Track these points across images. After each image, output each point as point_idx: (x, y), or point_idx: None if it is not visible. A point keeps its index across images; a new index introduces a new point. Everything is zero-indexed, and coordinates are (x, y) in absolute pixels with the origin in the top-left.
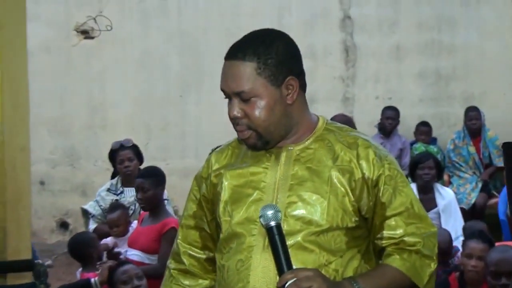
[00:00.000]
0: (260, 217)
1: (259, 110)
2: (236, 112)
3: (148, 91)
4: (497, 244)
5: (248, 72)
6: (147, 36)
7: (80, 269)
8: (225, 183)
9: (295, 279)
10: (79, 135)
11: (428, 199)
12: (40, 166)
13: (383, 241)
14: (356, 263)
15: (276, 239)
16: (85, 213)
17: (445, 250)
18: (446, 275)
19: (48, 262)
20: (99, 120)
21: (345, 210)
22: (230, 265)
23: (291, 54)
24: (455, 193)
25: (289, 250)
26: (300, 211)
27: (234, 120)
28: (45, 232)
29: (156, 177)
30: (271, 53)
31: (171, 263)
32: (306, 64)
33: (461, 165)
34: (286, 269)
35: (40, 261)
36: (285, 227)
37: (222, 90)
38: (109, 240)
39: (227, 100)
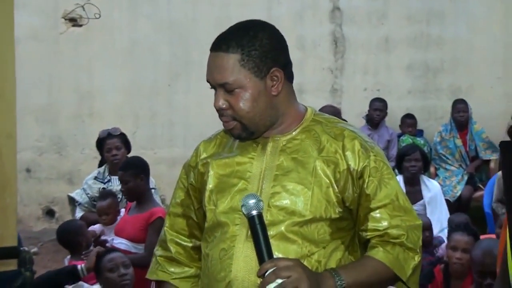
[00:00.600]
0: (242, 206)
1: (243, 101)
2: (221, 103)
3: (136, 80)
4: (482, 237)
5: (231, 64)
6: (136, 24)
7: (69, 257)
8: (211, 172)
9: (274, 268)
10: (66, 123)
11: (414, 191)
12: (26, 153)
13: (368, 233)
14: (340, 255)
15: (257, 228)
16: (72, 201)
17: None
18: (431, 267)
19: (34, 249)
20: (87, 108)
21: (328, 201)
22: (214, 254)
23: (275, 45)
24: (441, 185)
25: (272, 240)
26: (284, 202)
27: (219, 111)
28: (31, 219)
29: (135, 168)
30: (254, 45)
31: (157, 250)
32: (295, 55)
33: (447, 158)
34: (266, 258)
35: (26, 248)
36: (268, 217)
37: (208, 81)
38: (97, 227)
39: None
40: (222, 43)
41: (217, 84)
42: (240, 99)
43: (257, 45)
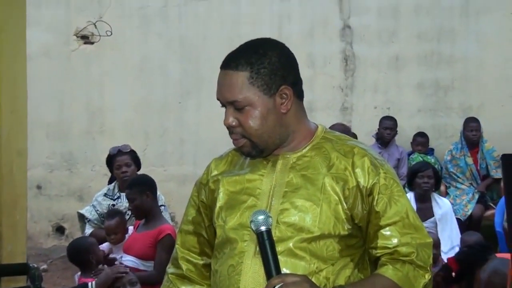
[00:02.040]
0: (251, 222)
1: (252, 119)
2: (231, 121)
3: (147, 97)
4: None
5: (240, 82)
6: (147, 42)
7: (79, 273)
8: (221, 189)
9: (282, 284)
10: (77, 140)
11: (425, 208)
12: (37, 170)
13: (377, 251)
14: (349, 272)
15: (265, 244)
16: (82, 218)
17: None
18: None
19: (43, 266)
20: (98, 125)
21: (337, 218)
22: (222, 270)
23: (285, 63)
24: (451, 204)
25: (280, 257)
26: (292, 218)
27: (229, 129)
28: (41, 236)
29: (141, 185)
30: (263, 63)
31: (169, 268)
32: (305, 73)
33: (458, 176)
34: (274, 274)
35: (35, 265)
36: (276, 233)
37: (218, 99)
38: (104, 246)
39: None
40: (231, 61)
41: (227, 102)
42: (249, 117)
43: (266, 63)
